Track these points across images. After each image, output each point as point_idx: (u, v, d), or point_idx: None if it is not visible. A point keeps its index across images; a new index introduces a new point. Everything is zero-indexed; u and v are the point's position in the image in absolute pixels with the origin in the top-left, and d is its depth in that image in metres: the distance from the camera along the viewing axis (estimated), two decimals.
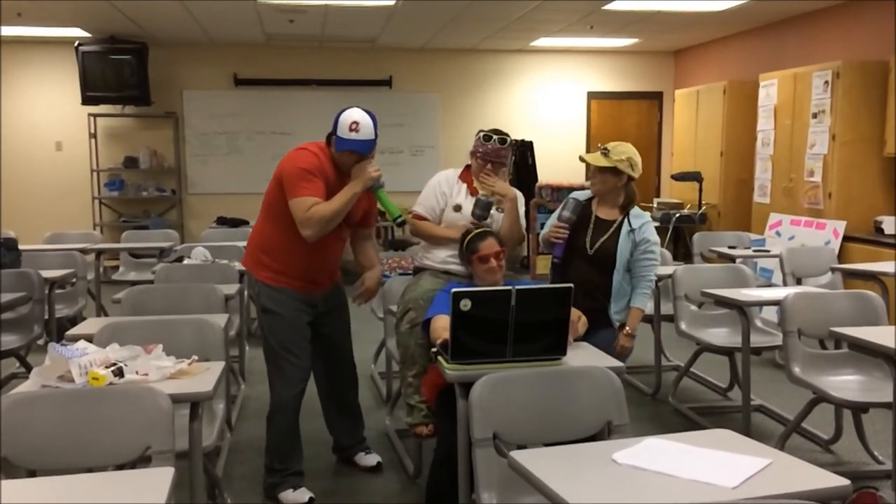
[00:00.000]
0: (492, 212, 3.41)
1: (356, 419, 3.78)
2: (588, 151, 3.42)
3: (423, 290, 3.36)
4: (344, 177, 3.25)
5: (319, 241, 3.26)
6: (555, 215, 3.57)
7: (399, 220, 3.32)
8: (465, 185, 3.51)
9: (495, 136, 3.44)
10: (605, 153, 3.43)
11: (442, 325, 2.84)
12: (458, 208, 3.47)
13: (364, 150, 3.21)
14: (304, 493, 3.36)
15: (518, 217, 3.47)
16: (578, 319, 3.06)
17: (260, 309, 3.49)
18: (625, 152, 3.42)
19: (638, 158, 3.46)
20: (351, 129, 3.16)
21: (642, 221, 3.48)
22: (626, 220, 3.46)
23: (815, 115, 6.64)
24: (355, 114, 3.20)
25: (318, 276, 3.42)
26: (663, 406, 4.71)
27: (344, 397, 3.72)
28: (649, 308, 4.92)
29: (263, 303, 3.43)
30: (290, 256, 3.33)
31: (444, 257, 3.45)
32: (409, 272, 3.89)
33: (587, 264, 3.44)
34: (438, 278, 3.41)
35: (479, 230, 3.27)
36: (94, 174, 9.38)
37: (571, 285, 2.65)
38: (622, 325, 3.44)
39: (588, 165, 3.50)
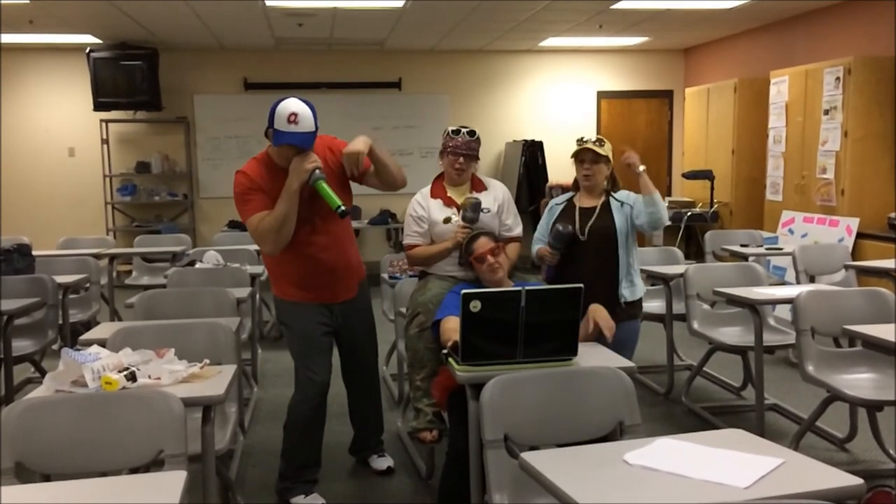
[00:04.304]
0: (481, 211, 3.42)
1: (373, 425, 3.78)
2: None
3: (432, 293, 3.35)
4: (286, 175, 3.09)
5: (311, 246, 3.23)
6: (541, 226, 3.62)
7: (340, 209, 3.07)
8: (438, 201, 3.49)
9: (464, 129, 3.47)
10: (602, 143, 3.51)
11: (451, 327, 2.85)
12: (447, 220, 3.44)
13: (303, 143, 3.04)
14: (317, 499, 3.37)
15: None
16: (605, 322, 3.04)
17: (278, 320, 3.55)
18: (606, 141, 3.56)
19: None
20: (290, 122, 2.98)
21: (630, 195, 3.53)
22: (609, 200, 3.51)
23: (826, 112, 6.60)
24: (293, 104, 3.01)
25: (328, 283, 3.36)
26: (676, 406, 4.69)
27: (363, 404, 3.72)
28: (661, 307, 4.93)
29: (279, 315, 3.49)
30: (290, 269, 3.32)
31: (445, 267, 3.45)
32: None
33: (584, 250, 3.45)
34: (445, 281, 3.40)
35: (471, 234, 3.28)
36: (107, 179, 9.45)
37: (581, 286, 2.64)
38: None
39: (582, 160, 3.52)
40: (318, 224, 3.24)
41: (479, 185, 3.55)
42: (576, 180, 3.64)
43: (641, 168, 3.43)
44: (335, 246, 3.34)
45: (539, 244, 3.60)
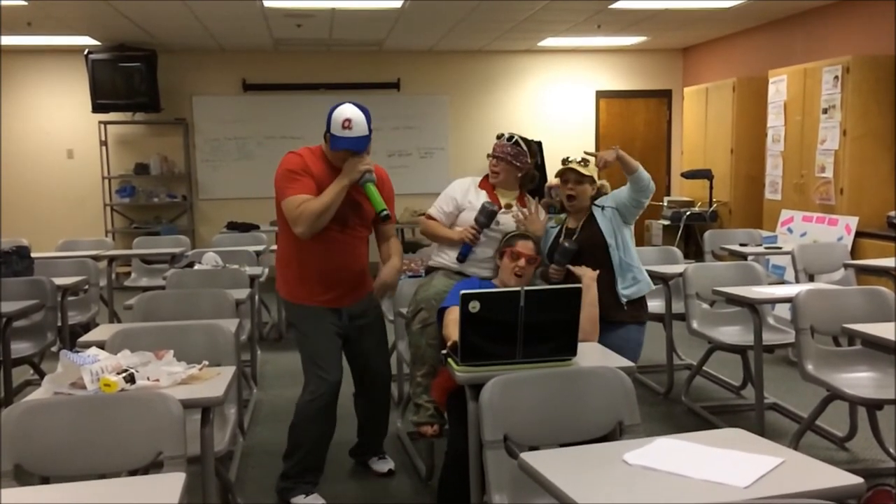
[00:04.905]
0: (499, 219, 3.41)
1: (378, 431, 3.76)
2: (598, 150, 3.56)
3: (436, 290, 3.36)
4: (338, 172, 3.22)
5: (333, 243, 3.27)
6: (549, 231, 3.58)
7: (384, 213, 3.26)
8: (483, 192, 3.49)
9: (506, 135, 3.49)
10: (586, 164, 3.44)
11: (453, 319, 2.83)
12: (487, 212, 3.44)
13: (358, 147, 3.17)
14: (317, 499, 3.36)
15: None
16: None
17: (287, 322, 3.53)
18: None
19: None
20: (344, 127, 3.13)
21: (608, 196, 3.49)
22: (592, 210, 3.47)
23: (825, 111, 6.60)
24: (347, 110, 3.15)
25: (340, 283, 3.36)
26: (676, 405, 4.69)
27: (370, 408, 3.70)
28: (660, 307, 4.92)
29: (288, 317, 3.50)
30: (305, 263, 3.33)
31: (455, 257, 3.44)
32: (419, 274, 3.88)
33: (578, 261, 3.39)
34: (451, 279, 3.41)
35: (523, 232, 3.27)
36: (106, 181, 9.45)
37: (580, 286, 2.65)
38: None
39: (566, 181, 3.46)
40: (348, 223, 3.31)
41: (521, 201, 3.54)
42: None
43: (614, 154, 3.32)
44: (351, 252, 3.39)
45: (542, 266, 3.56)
